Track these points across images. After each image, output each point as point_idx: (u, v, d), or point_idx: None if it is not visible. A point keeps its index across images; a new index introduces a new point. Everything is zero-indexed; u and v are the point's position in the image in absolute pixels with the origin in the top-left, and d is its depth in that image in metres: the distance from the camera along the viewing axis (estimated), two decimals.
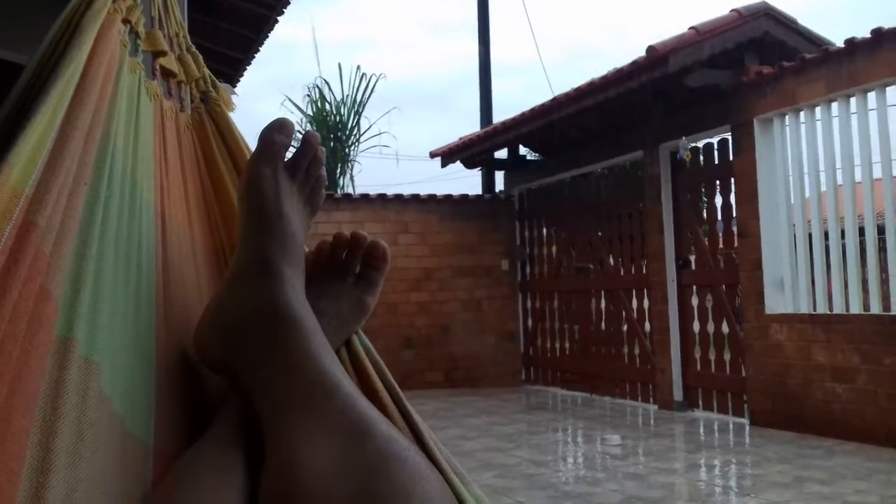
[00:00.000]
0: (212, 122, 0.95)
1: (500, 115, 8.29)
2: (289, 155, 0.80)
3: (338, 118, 11.79)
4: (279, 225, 0.74)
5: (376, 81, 11.86)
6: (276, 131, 0.77)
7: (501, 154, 9.52)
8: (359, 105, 11.77)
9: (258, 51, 6.98)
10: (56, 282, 0.59)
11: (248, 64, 7.27)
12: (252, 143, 0.83)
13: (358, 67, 11.81)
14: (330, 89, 11.88)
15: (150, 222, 0.77)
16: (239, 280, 0.73)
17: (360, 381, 0.75)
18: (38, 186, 0.59)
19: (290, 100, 12.80)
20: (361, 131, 11.94)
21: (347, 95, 11.81)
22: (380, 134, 12.15)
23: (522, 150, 9.63)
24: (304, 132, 0.83)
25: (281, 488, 0.59)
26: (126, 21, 0.81)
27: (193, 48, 0.98)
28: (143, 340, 0.70)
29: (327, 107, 11.80)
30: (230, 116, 0.97)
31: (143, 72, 0.83)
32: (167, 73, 0.92)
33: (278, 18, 6.26)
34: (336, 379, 0.65)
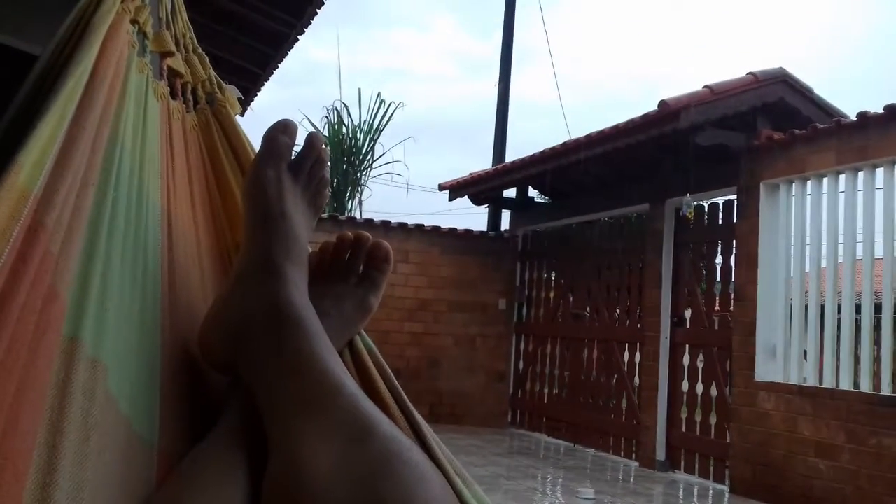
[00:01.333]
0: (217, 124, 0.96)
1: (518, 155, 8.29)
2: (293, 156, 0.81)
3: (353, 142, 11.84)
4: (283, 225, 0.75)
5: (395, 109, 11.94)
6: (280, 132, 0.78)
7: (510, 193, 9.52)
8: (375, 131, 11.84)
9: (277, 67, 7.04)
10: (64, 282, 0.59)
11: (267, 79, 7.34)
12: (258, 145, 0.84)
13: (378, 94, 11.89)
14: (349, 113, 11.96)
15: (156, 222, 0.77)
16: (243, 280, 0.74)
17: (363, 382, 0.75)
18: (46, 187, 0.59)
19: (308, 119, 12.88)
20: (375, 157, 12.00)
21: (365, 121, 11.89)
22: (393, 162, 12.19)
23: (532, 192, 9.62)
24: (308, 133, 0.82)
25: (284, 489, 0.59)
26: (134, 21, 0.82)
27: (200, 49, 1.00)
28: (149, 341, 0.70)
29: (344, 130, 11.87)
30: (236, 118, 0.98)
31: (150, 72, 0.84)
32: (174, 74, 0.93)
33: (298, 37, 6.32)
34: (339, 379, 0.66)
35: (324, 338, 0.69)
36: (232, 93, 1.00)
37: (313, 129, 11.88)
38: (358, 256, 0.82)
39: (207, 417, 0.73)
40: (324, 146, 0.83)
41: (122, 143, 0.73)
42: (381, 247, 0.83)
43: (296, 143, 0.80)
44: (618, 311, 7.80)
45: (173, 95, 0.91)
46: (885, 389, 5.05)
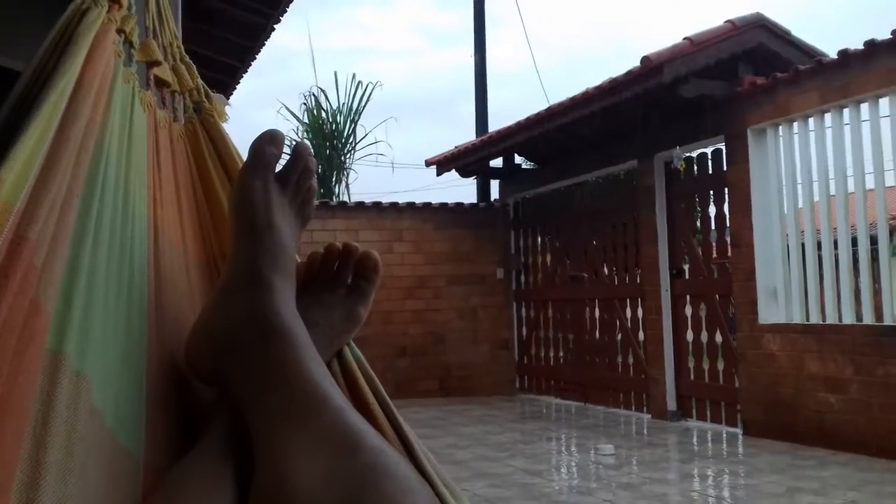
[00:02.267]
0: (205, 133, 0.94)
1: (497, 124, 8.32)
2: (280, 166, 0.80)
3: (334, 126, 11.80)
4: (270, 236, 0.74)
5: (372, 89, 11.89)
6: (267, 143, 0.77)
7: (497, 163, 9.54)
8: (354, 113, 11.79)
9: (255, 59, 7.00)
10: (47, 296, 0.59)
11: (245, 72, 7.29)
12: (245, 153, 0.83)
13: (354, 76, 11.85)
14: (326, 97, 11.90)
15: (142, 233, 0.76)
16: (229, 291, 0.73)
17: (351, 393, 0.75)
18: (29, 200, 0.59)
19: (286, 108, 12.81)
20: (357, 139, 11.96)
21: (343, 104, 11.83)
22: (376, 142, 12.15)
23: (518, 158, 9.65)
24: (294, 143, 0.83)
25: (270, 502, 0.59)
26: (120, 31, 0.81)
27: (187, 58, 0.98)
28: (135, 353, 0.70)
29: (323, 115, 11.81)
30: (223, 127, 0.96)
31: (137, 82, 0.83)
32: (161, 83, 0.92)
33: (275, 27, 6.28)
34: (326, 391, 0.65)
35: (311, 349, 0.69)
36: (220, 101, 1.00)
37: (293, 117, 11.83)
38: (346, 266, 0.81)
39: (194, 430, 0.72)
40: (311, 156, 0.83)
41: (108, 153, 0.72)
42: (370, 257, 0.82)
43: (283, 152, 0.79)
44: (616, 269, 7.87)
45: (160, 105, 0.90)
46: (888, 320, 5.15)
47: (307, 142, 10.55)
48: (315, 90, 11.93)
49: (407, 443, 0.72)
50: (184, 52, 0.98)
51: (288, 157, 0.81)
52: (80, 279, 0.63)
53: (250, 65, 7.11)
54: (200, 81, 0.98)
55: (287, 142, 0.85)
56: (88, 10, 0.75)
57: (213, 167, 0.93)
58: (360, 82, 11.91)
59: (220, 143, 0.94)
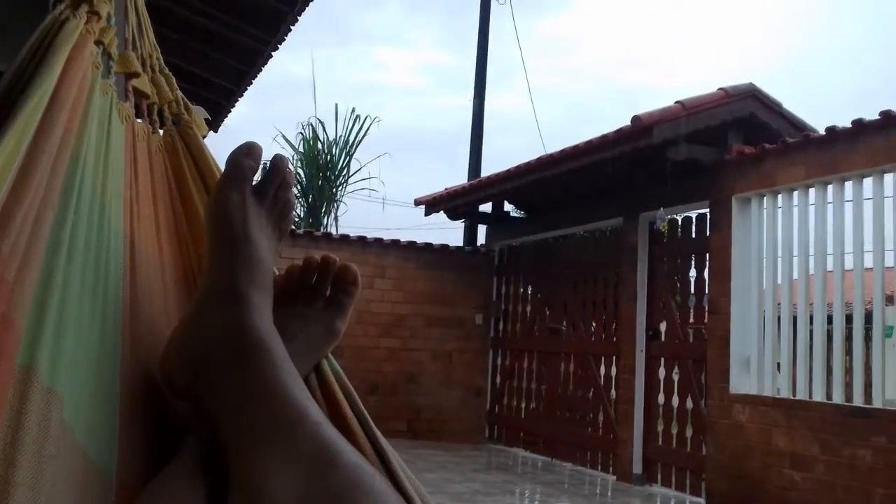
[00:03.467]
0: (184, 145, 0.94)
1: (497, 170, 8.31)
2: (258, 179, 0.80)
3: (328, 158, 11.82)
4: (246, 249, 0.73)
5: (370, 124, 11.94)
6: (244, 155, 0.77)
7: (486, 208, 9.55)
8: (350, 146, 11.83)
9: (251, 83, 7.03)
10: (19, 310, 0.58)
11: (241, 95, 7.31)
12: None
13: (353, 109, 11.89)
14: (324, 129, 11.94)
15: (118, 247, 0.75)
16: (205, 305, 0.72)
17: (329, 408, 0.74)
18: (1, 212, 0.58)
19: (283, 136, 12.86)
20: (351, 172, 11.98)
21: (340, 136, 11.88)
22: (369, 178, 12.17)
23: (507, 206, 9.66)
24: (273, 156, 0.81)
25: None
26: (99, 42, 0.80)
27: (166, 70, 0.98)
28: (108, 368, 0.69)
29: (319, 146, 11.84)
30: (202, 140, 0.96)
31: (115, 93, 0.83)
32: (140, 95, 0.91)
33: (272, 54, 6.31)
34: (303, 406, 0.64)
35: (287, 364, 0.68)
36: (199, 113, 0.99)
37: (289, 146, 11.86)
38: (325, 279, 0.81)
39: (168, 445, 0.71)
40: (289, 168, 0.82)
41: (84, 166, 0.71)
42: (349, 270, 0.81)
43: (260, 165, 0.78)
44: (594, 324, 7.83)
45: (139, 116, 0.89)
46: (857, 400, 5.10)
47: (285, 154, 10.59)
48: (313, 120, 11.96)
49: (385, 458, 0.71)
50: (163, 64, 0.98)
51: (266, 170, 0.80)
52: (53, 293, 0.62)
53: (246, 89, 7.13)
54: (180, 93, 0.97)
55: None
56: (66, 21, 0.75)
57: (191, 180, 0.92)
58: (357, 116, 11.97)
59: (199, 156, 0.93)
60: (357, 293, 0.83)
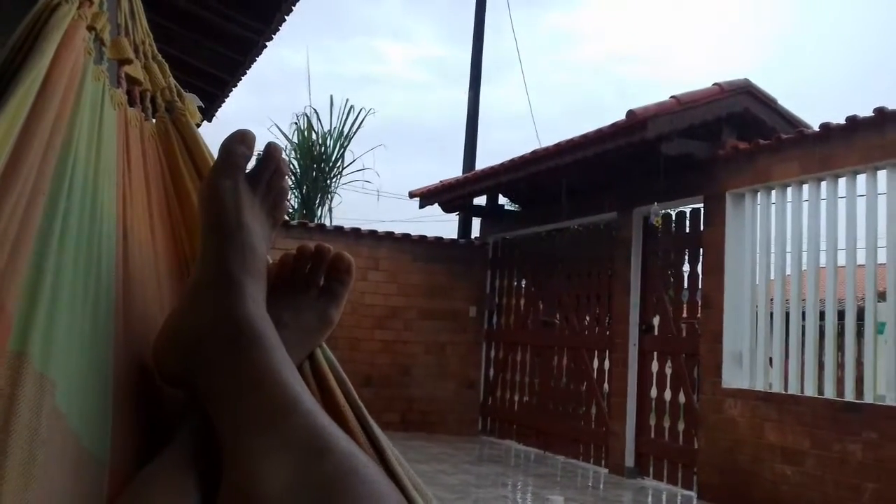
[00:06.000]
0: (177, 132, 0.93)
1: (493, 163, 8.31)
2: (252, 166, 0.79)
3: (323, 149, 11.79)
4: (239, 236, 0.73)
5: (365, 116, 11.91)
6: (237, 142, 0.76)
7: (480, 201, 9.54)
8: (345, 138, 11.80)
9: (245, 73, 6.99)
10: (10, 295, 0.57)
11: (235, 85, 7.28)
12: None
13: (347, 100, 11.84)
14: (319, 120, 11.91)
15: (111, 233, 0.75)
16: (198, 293, 0.72)
17: (323, 396, 0.74)
18: None
19: (277, 126, 12.80)
20: (345, 164, 11.95)
21: (335, 127, 11.84)
22: (364, 169, 12.13)
23: (502, 199, 9.65)
24: (266, 144, 0.80)
25: None
26: (91, 28, 0.80)
27: (159, 56, 0.97)
28: (101, 355, 0.68)
29: (314, 136, 11.81)
30: (195, 126, 0.95)
31: (107, 80, 0.82)
32: (132, 82, 0.91)
33: (267, 44, 6.28)
34: (296, 394, 0.64)
35: (281, 351, 0.68)
36: (192, 101, 0.99)
37: (283, 136, 11.82)
38: (319, 268, 0.81)
39: (162, 432, 0.71)
40: (282, 156, 0.81)
41: (76, 152, 0.71)
42: (343, 258, 0.81)
43: (254, 153, 0.78)
44: (587, 318, 7.85)
45: (132, 103, 0.89)
46: (849, 396, 5.13)
47: (278, 142, 10.56)
48: (308, 111, 11.92)
49: (378, 447, 0.71)
50: (156, 51, 0.97)
51: (259, 157, 0.79)
52: (45, 279, 0.61)
53: (240, 79, 7.10)
54: (173, 80, 0.97)
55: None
56: (58, 7, 0.74)
57: (184, 167, 0.92)
58: (352, 107, 11.93)
59: (192, 143, 0.93)
60: (351, 282, 0.82)
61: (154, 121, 0.93)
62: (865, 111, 5.12)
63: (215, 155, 0.81)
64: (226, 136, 0.77)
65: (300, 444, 0.60)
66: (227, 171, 0.75)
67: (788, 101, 6.57)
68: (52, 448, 0.57)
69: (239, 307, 0.69)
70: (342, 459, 0.59)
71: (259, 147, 0.80)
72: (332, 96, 12.25)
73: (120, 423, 0.67)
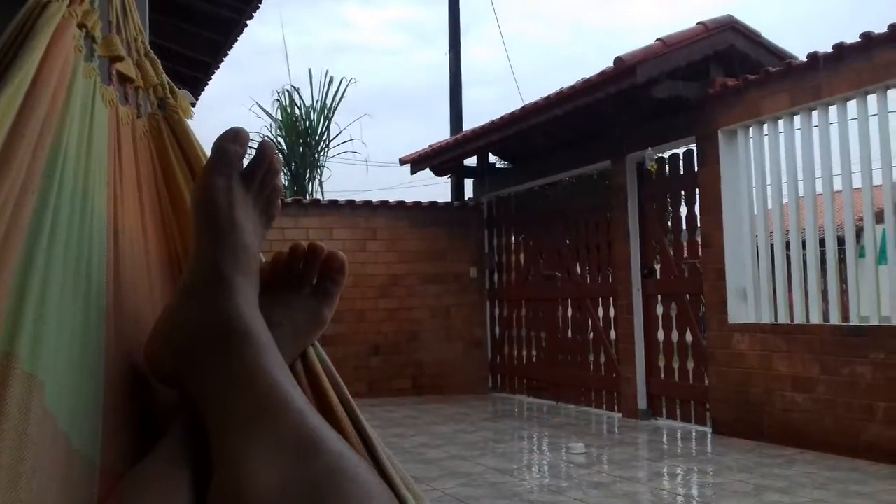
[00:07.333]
0: (169, 130, 0.92)
1: (475, 123, 8.30)
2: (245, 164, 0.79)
3: (307, 123, 11.72)
4: (232, 235, 0.73)
5: (346, 86, 11.83)
6: (230, 140, 0.76)
7: (471, 162, 9.54)
8: (328, 110, 11.73)
9: (227, 54, 6.93)
10: None
11: (217, 68, 7.22)
12: (210, 148, 0.81)
13: (327, 72, 11.75)
14: (300, 95, 11.82)
15: (101, 232, 0.75)
16: (190, 291, 0.72)
17: (315, 395, 0.74)
18: None
19: (259, 105, 12.71)
20: (331, 136, 11.90)
21: (317, 101, 11.76)
22: (350, 140, 12.08)
23: (492, 158, 9.65)
24: (260, 141, 0.80)
25: None
26: (82, 25, 0.79)
27: (152, 53, 0.96)
28: (92, 354, 0.68)
29: (297, 112, 11.73)
30: (188, 124, 0.94)
31: (98, 77, 0.81)
32: (124, 79, 0.90)
33: (247, 22, 6.22)
34: (287, 393, 0.64)
35: (273, 351, 0.68)
36: (185, 98, 0.98)
37: (265, 114, 11.73)
38: (312, 267, 0.80)
39: (153, 433, 0.71)
40: (276, 154, 0.81)
41: (66, 150, 0.70)
42: (336, 258, 0.81)
43: (247, 151, 0.78)
44: (588, 268, 7.91)
45: (123, 100, 0.88)
46: (854, 320, 5.22)
47: (271, 139, 10.46)
48: (289, 87, 11.83)
49: (370, 446, 0.71)
50: (148, 48, 0.96)
51: (252, 155, 0.79)
52: (35, 278, 0.61)
53: (222, 60, 7.03)
54: (165, 77, 0.96)
55: (259, 138, 0.83)
56: (49, 4, 0.74)
57: (177, 165, 0.91)
58: (332, 79, 11.85)
59: (184, 141, 0.92)
60: (344, 281, 0.82)
61: (146, 118, 0.93)
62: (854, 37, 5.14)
63: (207, 150, 0.80)
64: (218, 134, 0.77)
65: (291, 443, 0.60)
66: (220, 169, 0.75)
67: (772, 35, 6.56)
68: (41, 449, 0.57)
69: (230, 306, 0.69)
70: (333, 459, 0.60)
71: (254, 144, 0.80)
72: (310, 70, 12.14)
73: (111, 422, 0.67)
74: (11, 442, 0.54)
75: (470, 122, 10.24)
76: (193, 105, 1.04)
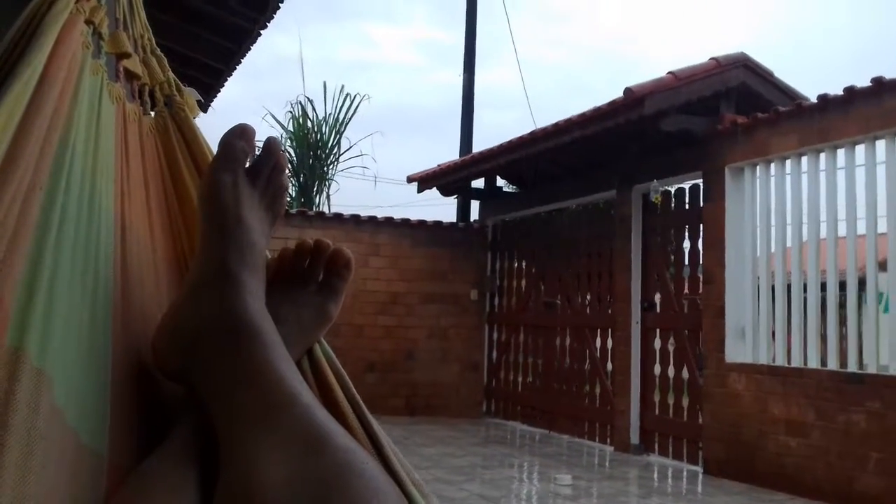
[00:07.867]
0: (175, 127, 0.93)
1: (489, 145, 8.28)
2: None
3: (318, 136, 11.76)
4: (238, 232, 0.73)
5: (360, 102, 11.87)
6: (237, 137, 0.76)
7: (479, 184, 9.53)
8: (340, 124, 11.77)
9: (240, 63, 6.96)
10: (7, 290, 0.57)
11: (230, 75, 7.25)
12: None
13: (342, 87, 11.80)
14: (313, 107, 11.87)
15: (109, 228, 0.75)
16: (197, 288, 0.72)
17: (322, 392, 0.75)
18: None
19: (271, 115, 12.78)
20: (342, 150, 11.93)
21: (330, 114, 11.81)
22: (361, 155, 12.12)
23: (500, 182, 9.64)
24: (266, 139, 0.80)
25: (235, 502, 0.58)
26: (89, 22, 0.79)
27: (158, 50, 0.97)
28: (99, 350, 0.68)
29: (309, 124, 11.78)
30: (194, 121, 0.95)
31: (105, 74, 0.82)
32: (131, 76, 0.90)
33: (261, 32, 6.25)
34: (294, 389, 0.64)
35: (280, 347, 0.68)
36: (191, 95, 0.98)
37: (278, 125, 11.79)
38: (318, 263, 0.81)
39: (160, 428, 0.71)
40: (282, 151, 0.81)
41: (74, 146, 0.71)
42: (342, 254, 0.81)
43: (254, 148, 0.78)
44: (589, 297, 7.86)
45: (130, 97, 0.88)
46: (852, 367, 5.15)
47: (278, 137, 10.51)
48: (302, 99, 11.88)
49: (376, 442, 0.71)
50: (155, 45, 0.97)
51: (259, 152, 0.79)
52: (43, 274, 0.61)
53: (235, 68, 7.07)
54: (171, 75, 0.96)
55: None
56: (56, 1, 0.74)
57: (183, 162, 0.92)
58: (348, 94, 11.89)
59: (190, 138, 0.93)
60: (350, 277, 0.82)
61: (153, 115, 0.93)
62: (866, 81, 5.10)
63: (214, 149, 0.80)
64: (225, 131, 0.77)
65: (298, 439, 0.60)
66: (226, 166, 0.75)
67: (783, 75, 6.55)
68: (50, 444, 0.57)
69: (237, 302, 0.69)
70: (340, 455, 0.60)
71: (258, 140, 0.80)
72: (325, 83, 12.20)
73: (118, 418, 0.68)
74: (21, 437, 0.54)
75: (484, 146, 10.27)
76: (200, 103, 1.04)
